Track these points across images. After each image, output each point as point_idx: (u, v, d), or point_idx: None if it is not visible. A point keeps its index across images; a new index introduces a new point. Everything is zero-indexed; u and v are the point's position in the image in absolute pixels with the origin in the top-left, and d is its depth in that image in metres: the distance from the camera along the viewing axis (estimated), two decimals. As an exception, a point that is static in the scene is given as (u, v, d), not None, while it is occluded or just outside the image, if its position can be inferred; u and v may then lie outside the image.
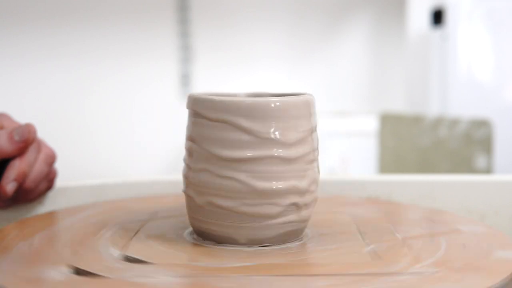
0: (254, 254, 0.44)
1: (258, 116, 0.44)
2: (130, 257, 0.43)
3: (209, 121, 0.45)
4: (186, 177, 0.48)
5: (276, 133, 0.44)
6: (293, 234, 0.47)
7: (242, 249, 0.45)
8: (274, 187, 0.44)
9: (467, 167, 1.55)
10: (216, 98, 0.45)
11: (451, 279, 0.38)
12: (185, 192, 0.48)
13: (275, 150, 0.44)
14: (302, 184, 0.46)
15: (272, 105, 0.45)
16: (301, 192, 0.46)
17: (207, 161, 0.45)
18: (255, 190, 0.44)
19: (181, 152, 0.50)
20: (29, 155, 0.53)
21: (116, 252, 0.44)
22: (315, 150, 0.47)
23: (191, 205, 0.47)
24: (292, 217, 0.46)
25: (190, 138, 0.47)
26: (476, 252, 0.43)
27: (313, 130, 0.47)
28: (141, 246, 0.46)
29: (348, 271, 0.40)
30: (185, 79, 2.33)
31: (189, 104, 0.47)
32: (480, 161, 1.54)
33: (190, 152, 0.47)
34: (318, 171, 0.48)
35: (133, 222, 0.53)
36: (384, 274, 0.39)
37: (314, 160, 0.47)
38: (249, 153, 0.44)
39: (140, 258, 0.43)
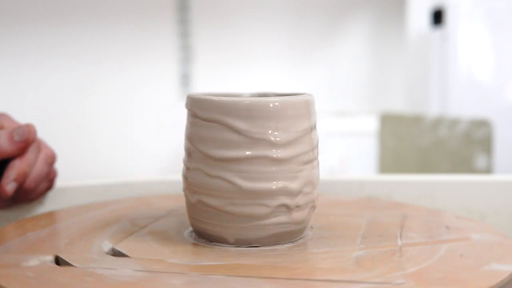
0: (236, 254, 0.44)
1: (250, 116, 0.44)
2: (116, 250, 0.44)
3: (203, 121, 0.45)
4: (184, 176, 0.48)
5: (268, 133, 0.44)
6: (286, 236, 0.46)
7: (229, 248, 0.45)
8: (261, 187, 0.44)
9: (467, 167, 1.55)
10: (208, 98, 0.45)
11: None
12: (184, 191, 0.48)
13: (265, 150, 0.44)
14: (294, 185, 0.45)
15: (271, 105, 0.44)
16: (292, 194, 0.45)
17: (200, 161, 0.46)
18: (242, 190, 0.44)
19: (181, 152, 0.50)
20: (29, 155, 0.53)
21: (107, 246, 0.45)
22: (312, 150, 0.47)
23: (188, 204, 0.48)
24: (282, 218, 0.45)
25: (187, 138, 0.47)
26: (467, 264, 0.41)
27: (310, 130, 0.47)
28: (135, 242, 0.46)
29: (310, 277, 0.39)
30: (185, 79, 2.33)
31: (187, 104, 0.48)
32: (480, 161, 1.54)
33: (187, 152, 0.48)
34: (318, 172, 0.48)
35: (143, 219, 0.53)
36: (346, 281, 0.38)
37: (311, 160, 0.47)
38: (239, 153, 0.44)
39: (124, 252, 0.43)
